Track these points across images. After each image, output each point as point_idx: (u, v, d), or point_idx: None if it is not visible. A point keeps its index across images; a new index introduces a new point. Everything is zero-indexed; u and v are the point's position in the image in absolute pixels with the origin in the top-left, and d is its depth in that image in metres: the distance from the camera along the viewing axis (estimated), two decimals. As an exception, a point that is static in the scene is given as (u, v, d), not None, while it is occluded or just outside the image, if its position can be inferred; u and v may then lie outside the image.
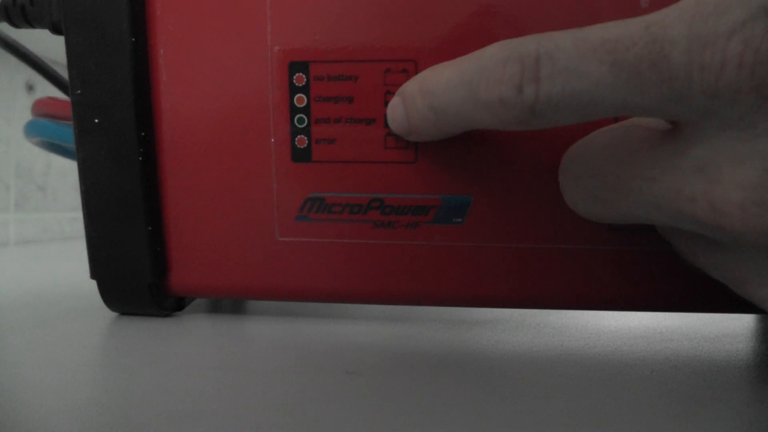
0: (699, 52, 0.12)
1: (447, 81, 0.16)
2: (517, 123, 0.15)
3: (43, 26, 0.21)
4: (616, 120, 0.18)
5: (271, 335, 0.20)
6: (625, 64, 0.13)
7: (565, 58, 0.13)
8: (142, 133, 0.20)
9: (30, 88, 0.60)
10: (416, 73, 0.19)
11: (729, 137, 0.13)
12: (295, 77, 0.19)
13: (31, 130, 0.25)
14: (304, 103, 0.19)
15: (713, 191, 0.13)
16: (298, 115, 0.19)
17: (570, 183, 0.16)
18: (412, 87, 0.17)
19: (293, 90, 0.19)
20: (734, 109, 0.12)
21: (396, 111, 0.18)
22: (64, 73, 0.23)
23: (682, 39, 0.12)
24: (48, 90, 0.59)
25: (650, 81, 0.13)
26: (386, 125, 0.19)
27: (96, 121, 0.20)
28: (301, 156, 0.20)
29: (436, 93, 0.16)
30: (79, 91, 0.20)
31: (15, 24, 0.22)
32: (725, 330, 0.21)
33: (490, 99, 0.15)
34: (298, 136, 0.19)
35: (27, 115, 0.26)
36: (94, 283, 0.21)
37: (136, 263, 0.20)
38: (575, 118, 0.14)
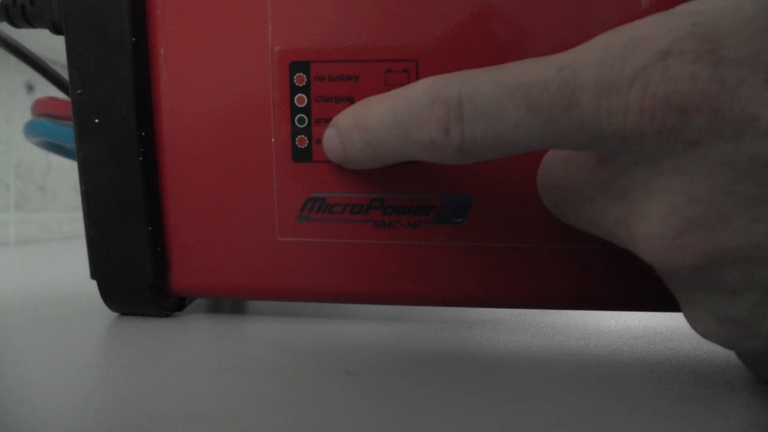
0: (606, 97, 0.13)
1: (380, 119, 0.17)
2: (449, 160, 0.15)
3: (43, 26, 0.21)
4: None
5: (271, 335, 0.20)
6: (539, 109, 0.13)
7: (485, 102, 0.14)
8: (143, 133, 0.20)
9: (30, 88, 0.60)
10: (417, 73, 0.19)
11: (642, 171, 0.13)
12: (295, 77, 0.19)
13: (31, 130, 0.25)
14: (305, 103, 0.19)
15: (629, 219, 0.14)
16: (298, 115, 0.19)
17: (540, 189, 0.17)
18: (346, 121, 0.18)
19: (294, 90, 0.19)
20: (642, 148, 0.13)
21: (332, 142, 0.18)
22: (64, 73, 0.23)
23: (590, 85, 0.13)
24: (48, 90, 0.59)
25: (564, 124, 0.13)
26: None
27: (96, 121, 0.20)
28: (301, 156, 0.20)
29: (371, 130, 0.17)
30: (79, 91, 0.20)
31: (15, 24, 0.22)
32: (725, 330, 0.21)
33: (421, 139, 0.15)
34: (299, 136, 0.19)
35: (27, 115, 0.26)
36: (94, 283, 0.21)
37: (137, 263, 0.20)
38: (502, 155, 0.15)
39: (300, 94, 0.19)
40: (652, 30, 0.12)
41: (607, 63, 0.13)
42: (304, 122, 0.19)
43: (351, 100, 0.19)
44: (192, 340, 0.19)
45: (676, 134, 0.12)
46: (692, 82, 0.12)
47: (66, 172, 0.65)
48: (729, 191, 0.12)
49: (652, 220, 0.13)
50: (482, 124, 0.14)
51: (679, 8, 0.13)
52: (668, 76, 0.12)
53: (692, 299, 0.14)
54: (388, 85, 0.19)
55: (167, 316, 0.22)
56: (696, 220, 0.12)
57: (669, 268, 0.13)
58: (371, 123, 0.17)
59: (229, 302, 0.25)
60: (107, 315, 0.22)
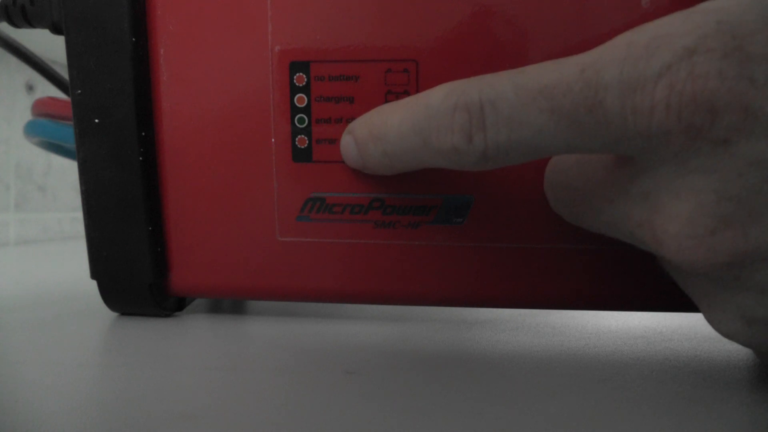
0: (630, 96, 0.12)
1: (398, 128, 0.16)
2: (472, 167, 0.15)
3: (43, 26, 0.21)
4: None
5: (271, 335, 0.20)
6: (563, 111, 0.13)
7: (507, 107, 0.14)
8: (143, 133, 0.20)
9: (30, 88, 0.60)
10: (417, 72, 0.19)
11: (667, 171, 0.13)
12: (295, 77, 0.19)
13: (31, 130, 0.25)
14: (305, 103, 0.19)
15: (654, 220, 0.13)
16: (298, 115, 0.19)
17: (549, 191, 0.17)
18: (362, 131, 0.18)
19: (294, 90, 0.19)
20: (668, 147, 0.13)
21: (349, 150, 0.18)
22: (64, 73, 0.23)
23: (614, 84, 0.12)
24: (48, 90, 0.59)
25: (588, 126, 0.13)
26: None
27: (96, 121, 0.20)
28: (301, 156, 0.20)
29: (388, 140, 0.17)
30: (79, 91, 0.20)
31: (15, 24, 0.22)
32: (725, 330, 0.21)
33: (444, 147, 0.15)
34: (299, 136, 0.19)
35: (27, 115, 0.26)
36: (94, 284, 0.21)
37: (137, 263, 0.20)
38: (526, 160, 0.15)
39: (300, 94, 0.19)
40: (675, 28, 0.12)
41: (630, 62, 0.12)
42: (304, 122, 0.19)
43: (351, 100, 0.19)
44: (192, 340, 0.19)
45: (704, 133, 0.12)
46: (721, 80, 0.12)
47: (66, 172, 0.65)
48: (760, 190, 0.12)
49: (680, 220, 0.13)
50: (505, 129, 0.14)
51: (700, 6, 0.13)
52: (695, 73, 0.12)
53: (717, 300, 0.14)
54: (388, 85, 0.19)
55: (167, 316, 0.22)
56: (727, 218, 0.12)
57: (698, 267, 0.13)
58: (388, 133, 0.17)
59: (229, 302, 0.25)
60: (107, 315, 0.22)
